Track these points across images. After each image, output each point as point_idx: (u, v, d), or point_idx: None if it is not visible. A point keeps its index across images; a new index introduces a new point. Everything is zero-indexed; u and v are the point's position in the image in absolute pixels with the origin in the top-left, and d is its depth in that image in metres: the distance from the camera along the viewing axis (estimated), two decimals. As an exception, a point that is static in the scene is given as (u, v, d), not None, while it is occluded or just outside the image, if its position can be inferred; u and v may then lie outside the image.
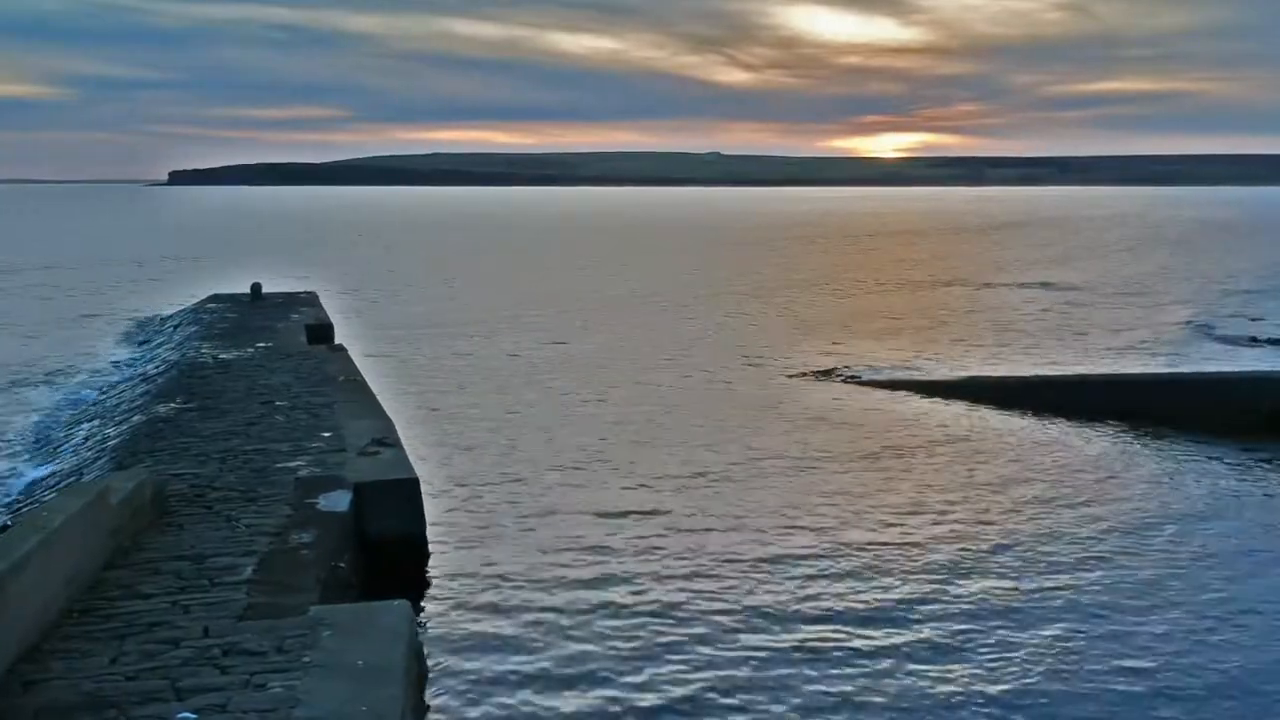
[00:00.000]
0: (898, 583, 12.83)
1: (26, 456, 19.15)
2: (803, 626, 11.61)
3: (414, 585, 12.33)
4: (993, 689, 10.25)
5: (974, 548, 14.09)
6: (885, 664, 10.75)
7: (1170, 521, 15.37)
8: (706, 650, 11.03)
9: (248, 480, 13.50)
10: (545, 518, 15.34)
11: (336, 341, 26.99)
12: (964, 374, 26.47)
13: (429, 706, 9.75)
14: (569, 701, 10.03)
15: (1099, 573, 13.28)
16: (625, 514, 15.49)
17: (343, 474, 13.53)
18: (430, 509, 13.75)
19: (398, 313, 41.58)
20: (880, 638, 11.33)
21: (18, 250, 79.56)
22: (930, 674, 10.53)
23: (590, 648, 11.07)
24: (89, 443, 18.22)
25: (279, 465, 14.17)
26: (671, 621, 11.71)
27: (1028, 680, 10.45)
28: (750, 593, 12.54)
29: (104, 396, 23.79)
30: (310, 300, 34.91)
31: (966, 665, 10.72)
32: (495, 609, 12.09)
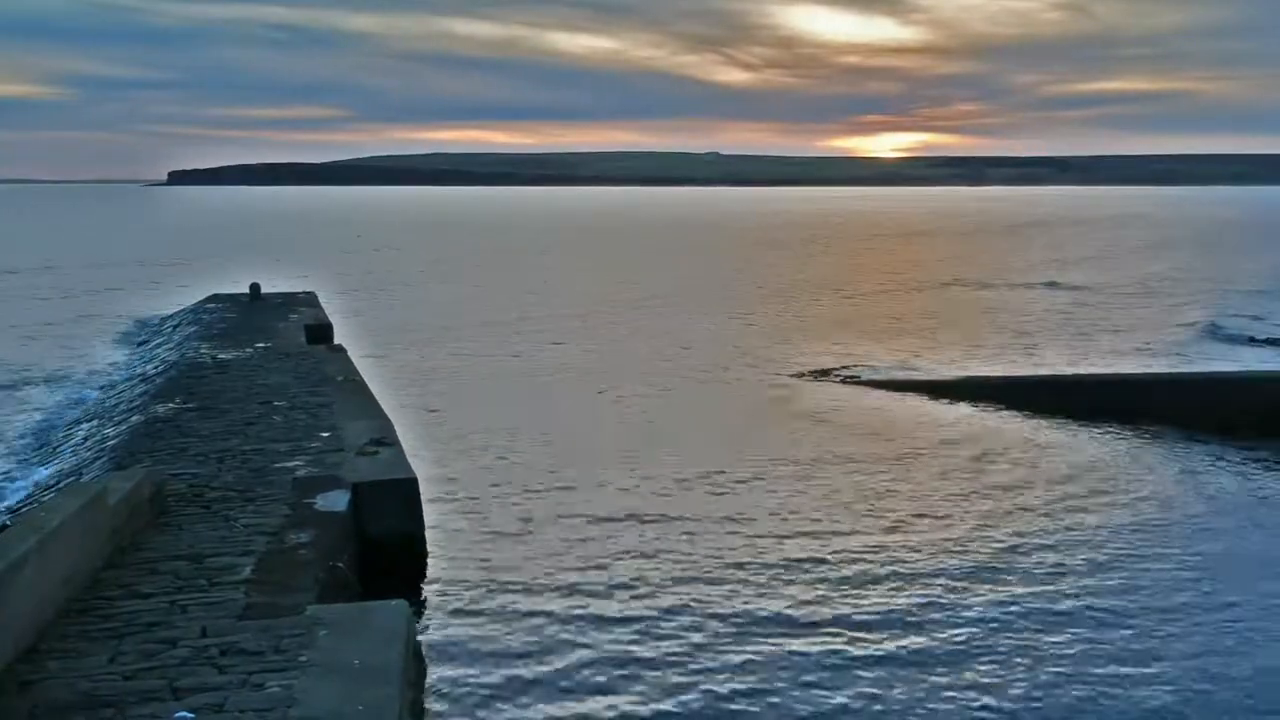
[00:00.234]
0: (903, 586, 12.73)
1: (26, 457, 19.15)
2: (804, 630, 11.55)
3: (412, 585, 12.34)
4: (1000, 693, 10.22)
5: (975, 550, 14.04)
6: (892, 670, 10.67)
7: (1171, 523, 15.36)
8: (706, 652, 11.00)
9: (246, 480, 13.50)
10: (544, 518, 15.33)
11: (335, 341, 27.00)
12: (964, 374, 26.50)
13: (426, 706, 9.74)
14: (567, 702, 10.03)
15: (1101, 574, 13.25)
16: (624, 514, 15.47)
17: (341, 474, 13.53)
18: (429, 509, 13.74)
19: (397, 313, 41.59)
20: (888, 643, 11.22)
21: (17, 251, 79.55)
22: (938, 680, 10.43)
23: (588, 648, 11.06)
24: (88, 443, 18.22)
25: (277, 465, 14.18)
26: (671, 623, 11.68)
27: (1034, 682, 10.42)
28: (750, 594, 12.49)
29: (103, 396, 23.79)
30: (309, 300, 34.91)
31: (974, 670, 10.64)
32: (493, 609, 12.07)
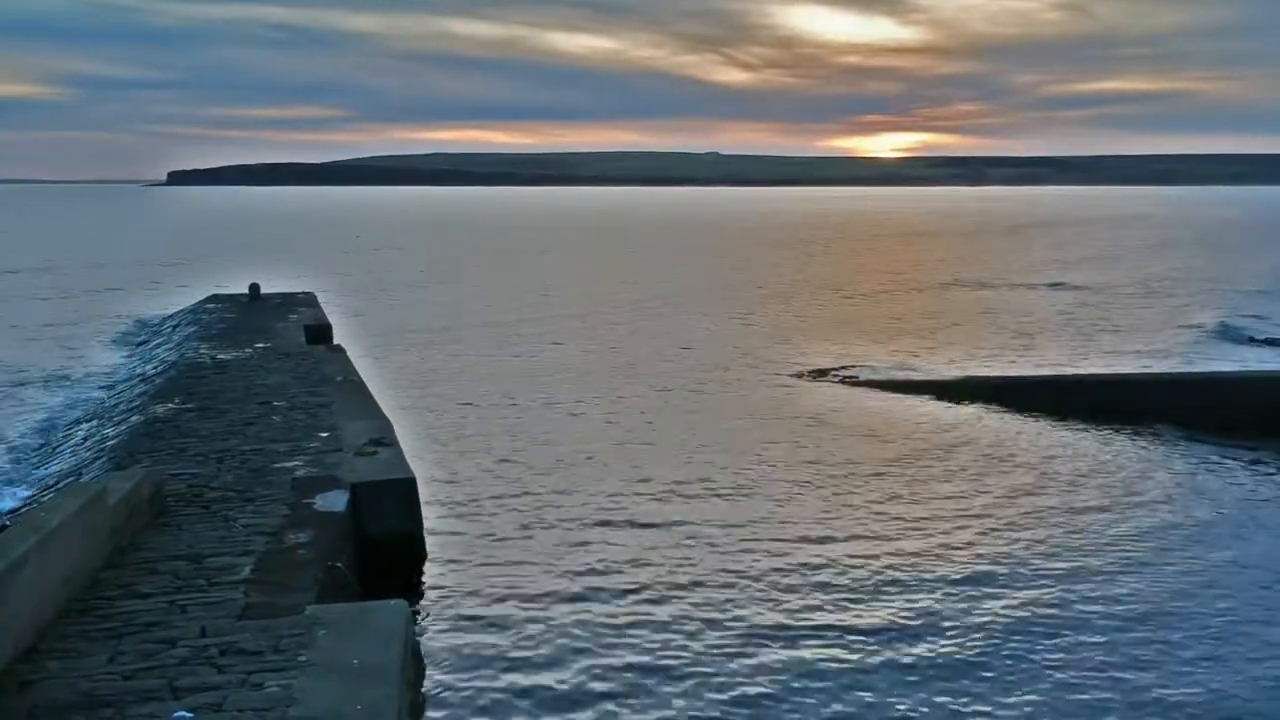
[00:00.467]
0: (906, 591, 12.58)
1: (25, 457, 19.16)
2: (803, 636, 11.46)
3: (411, 585, 12.36)
4: (1007, 697, 10.20)
5: (977, 553, 13.94)
6: (893, 675, 10.57)
7: (1172, 525, 15.27)
8: (706, 653, 10.98)
9: (245, 480, 13.52)
10: (543, 518, 15.33)
11: (335, 342, 27.02)
12: (964, 374, 26.51)
13: (425, 706, 9.76)
14: (566, 702, 10.04)
15: (1104, 579, 13.14)
16: (624, 515, 15.47)
17: (340, 474, 13.56)
18: (428, 509, 13.77)
19: (396, 313, 41.59)
20: (891, 650, 11.08)
21: (17, 251, 79.56)
22: (944, 686, 10.35)
23: (587, 649, 11.06)
24: (87, 443, 18.24)
25: (276, 465, 14.20)
26: (670, 624, 11.67)
27: (1038, 686, 10.38)
28: (751, 596, 12.46)
29: (102, 397, 23.81)
30: (309, 300, 34.94)
31: (978, 677, 10.54)
32: (492, 609, 12.08)
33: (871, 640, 11.26)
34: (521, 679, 10.42)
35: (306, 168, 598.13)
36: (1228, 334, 34.08)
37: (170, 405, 18.55)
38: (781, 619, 11.85)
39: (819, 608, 12.11)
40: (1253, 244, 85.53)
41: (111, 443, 16.93)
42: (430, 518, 13.91)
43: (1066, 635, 11.45)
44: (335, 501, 12.54)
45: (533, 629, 11.51)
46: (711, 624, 11.71)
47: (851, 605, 12.18)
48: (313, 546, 11.10)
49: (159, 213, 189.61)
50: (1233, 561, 13.94)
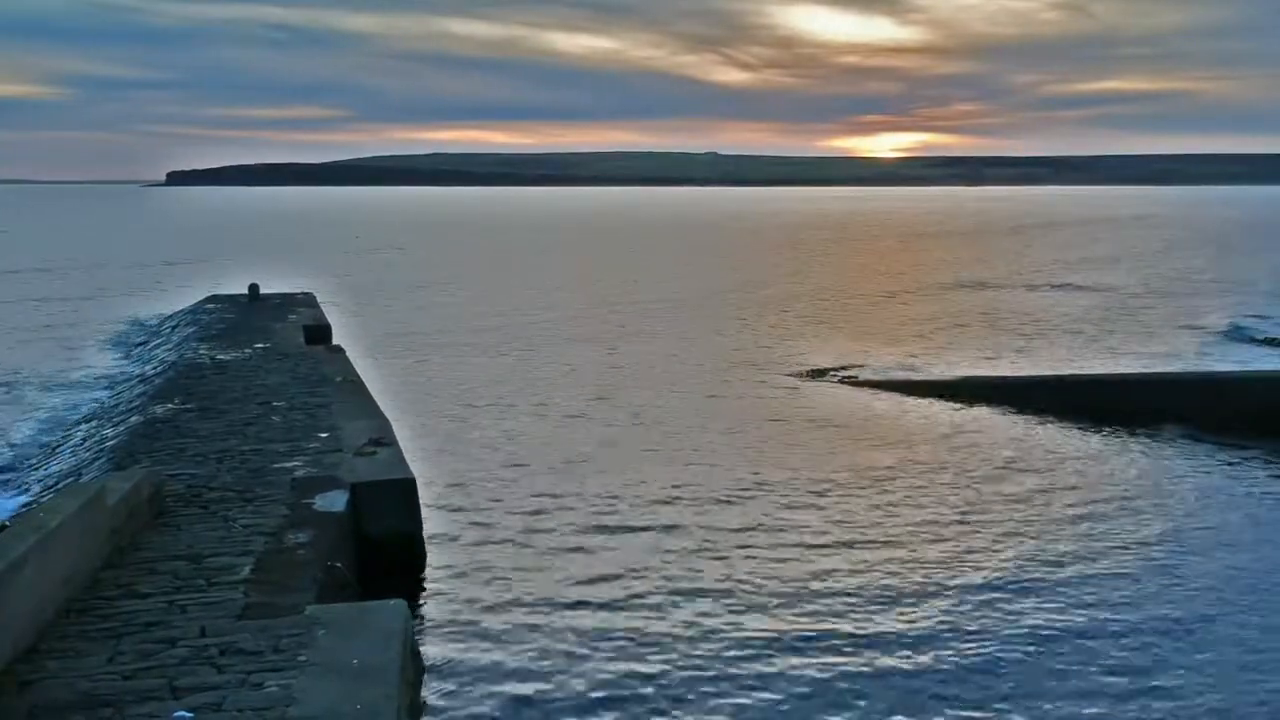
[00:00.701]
0: (912, 597, 12.40)
1: (25, 457, 19.17)
2: (807, 632, 11.46)
3: (410, 585, 12.36)
4: (1012, 698, 10.19)
5: (985, 558, 13.83)
6: (898, 682, 10.52)
7: (1184, 527, 15.19)
8: (706, 654, 10.99)
9: (245, 480, 13.53)
10: (543, 518, 15.33)
11: (334, 342, 27.05)
12: (973, 374, 26.49)
13: (424, 706, 9.77)
14: (565, 702, 10.04)
15: (1108, 584, 13.02)
16: (623, 516, 15.47)
17: (339, 474, 13.57)
18: (427, 509, 13.79)
19: (396, 313, 41.60)
20: (893, 658, 10.99)
21: (16, 251, 79.57)
22: (952, 694, 10.32)
23: (587, 649, 11.07)
24: (87, 443, 18.25)
25: (276, 465, 14.21)
26: (670, 624, 11.67)
27: (1052, 694, 10.33)
28: (752, 601, 12.41)
29: (102, 397, 23.82)
30: (308, 301, 34.95)
31: (983, 685, 10.49)
32: (491, 609, 12.09)
33: (880, 649, 11.08)
34: (521, 679, 10.42)
35: (306, 168, 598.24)
36: (1238, 335, 33.91)
37: (170, 406, 18.56)
38: (783, 625, 11.78)
39: (822, 615, 11.96)
40: (1255, 244, 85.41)
41: (111, 443, 16.94)
42: (430, 518, 13.92)
43: (1080, 643, 11.27)
44: (335, 502, 12.55)
45: (532, 629, 11.52)
46: (712, 623, 11.71)
47: (855, 613, 11.99)
48: (312, 547, 11.11)
49: (158, 213, 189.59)
50: (1247, 566, 13.84)
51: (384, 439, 15.29)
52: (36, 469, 17.94)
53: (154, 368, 25.11)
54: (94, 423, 20.25)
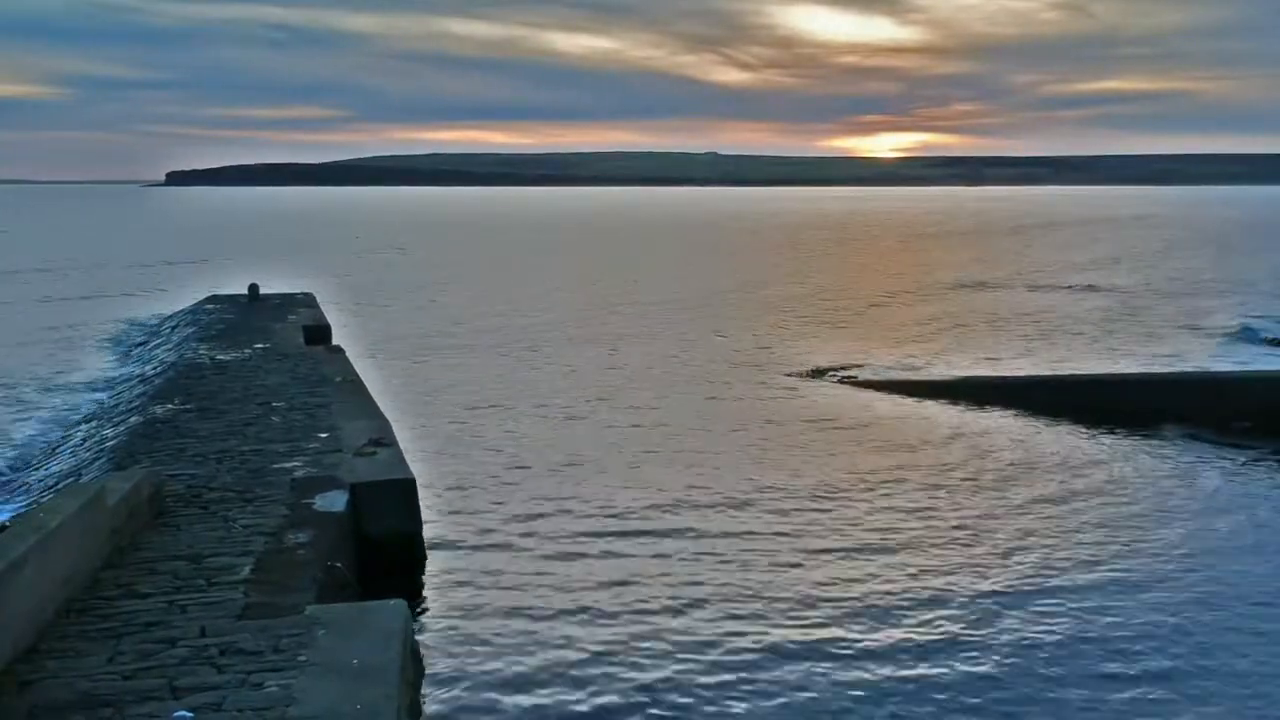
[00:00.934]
0: (922, 607, 12.16)
1: (25, 458, 19.17)
2: (811, 628, 11.47)
3: (410, 585, 12.36)
4: (1014, 695, 10.19)
5: (992, 564, 13.69)
6: (901, 663, 10.61)
7: (1175, 523, 15.26)
8: (707, 654, 10.99)
9: (244, 480, 13.53)
10: (543, 518, 15.34)
11: (334, 342, 27.05)
12: (965, 374, 26.49)
13: (424, 706, 9.77)
14: (564, 702, 10.05)
15: (1106, 576, 13.18)
16: (624, 516, 15.46)
17: (339, 474, 13.57)
18: (427, 509, 13.78)
19: (395, 314, 41.61)
20: (907, 666, 10.84)
21: (15, 252, 79.58)
22: (948, 684, 10.35)
23: (587, 649, 11.07)
24: (87, 443, 18.24)
25: (276, 466, 14.21)
26: (672, 627, 11.66)
27: (1045, 685, 10.38)
28: (754, 595, 12.43)
29: (101, 398, 23.83)
30: (308, 301, 34.96)
31: (980, 664, 10.61)
32: (491, 609, 12.10)
33: (884, 658, 10.90)
34: (520, 679, 10.43)
35: (306, 168, 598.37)
36: (1243, 336, 33.75)
37: (169, 406, 18.56)
38: (786, 632, 11.70)
39: (825, 623, 11.78)
40: (1255, 244, 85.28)
41: (111, 443, 16.94)
42: (430, 518, 13.92)
43: (1086, 650, 11.18)
44: (335, 502, 12.55)
45: (532, 629, 11.52)
46: (712, 623, 11.71)
47: (860, 621, 11.78)
48: (312, 547, 11.11)
49: (158, 213, 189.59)
50: (1252, 571, 13.79)
51: (384, 439, 15.29)
52: (36, 469, 17.93)
53: (154, 368, 25.10)
54: (94, 423, 20.25)
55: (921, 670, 10.66)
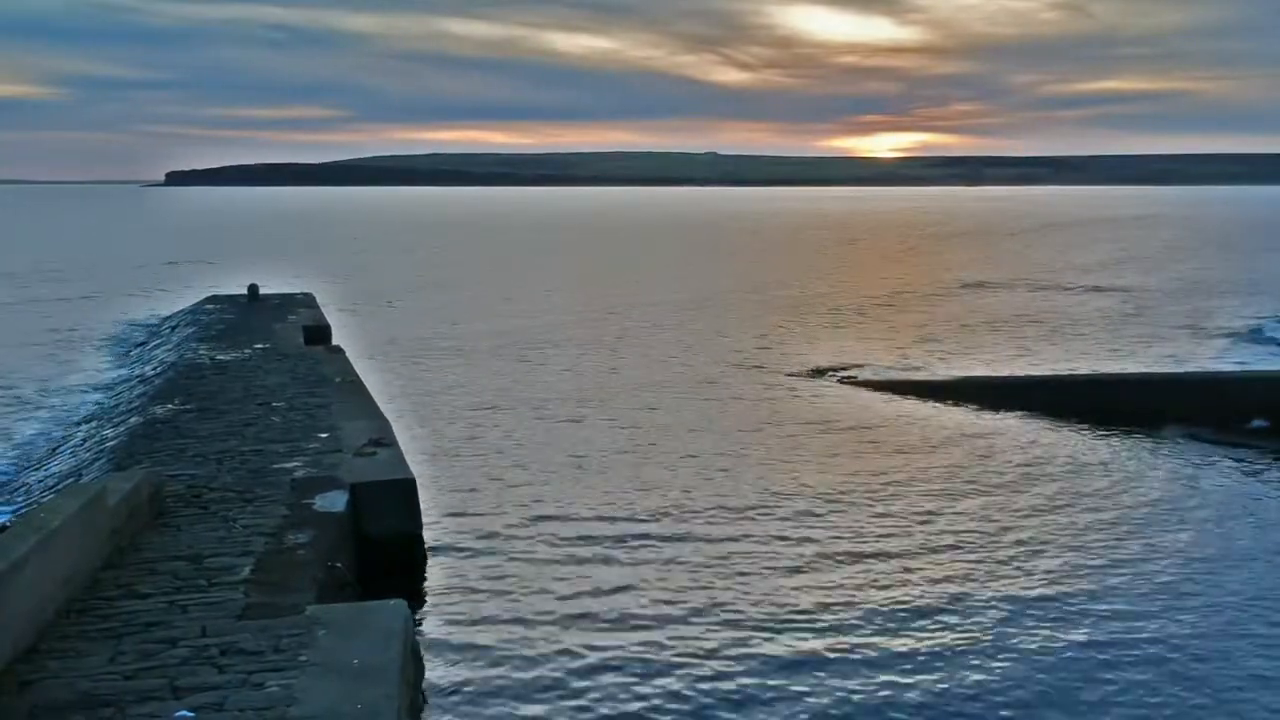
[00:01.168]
0: (930, 614, 12.01)
1: (26, 458, 19.18)
2: (811, 634, 11.42)
3: (411, 585, 12.36)
4: (1015, 692, 10.18)
5: (982, 554, 13.86)
6: (905, 671, 10.56)
7: (1188, 526, 15.21)
8: (708, 654, 10.99)
9: (245, 481, 13.54)
10: (544, 518, 15.34)
11: (333, 342, 27.06)
12: (966, 375, 26.50)
13: (424, 706, 9.78)
14: (565, 703, 10.05)
15: (1107, 574, 13.19)
16: (624, 517, 15.46)
17: (339, 474, 13.57)
18: (427, 509, 13.79)
19: (395, 314, 41.62)
20: (898, 646, 11.08)
21: (15, 252, 79.57)
22: (949, 683, 10.34)
23: (587, 650, 11.08)
24: (87, 444, 18.25)
25: (276, 466, 14.21)
26: (673, 628, 11.66)
27: (1045, 685, 10.36)
28: (754, 599, 12.41)
29: (102, 398, 23.84)
30: (308, 301, 34.97)
31: (986, 673, 10.54)
32: (492, 609, 12.11)
33: (894, 666, 10.79)
34: (521, 680, 10.43)
35: (305, 168, 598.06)
36: (1251, 337, 33.62)
37: (169, 406, 18.56)
38: (789, 615, 11.83)
39: (829, 631, 11.65)
40: (1256, 244, 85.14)
41: (111, 444, 16.95)
42: (430, 518, 13.93)
43: (1094, 657, 11.05)
44: (335, 502, 12.56)
45: (533, 630, 11.52)
46: (712, 624, 11.72)
47: (865, 629, 11.63)
48: (312, 547, 11.12)
49: (157, 213, 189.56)
50: (1234, 558, 13.88)
51: (384, 439, 15.30)
52: (37, 469, 17.94)
53: (154, 368, 25.11)
54: (94, 423, 20.26)
55: (931, 679, 10.55)
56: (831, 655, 10.96)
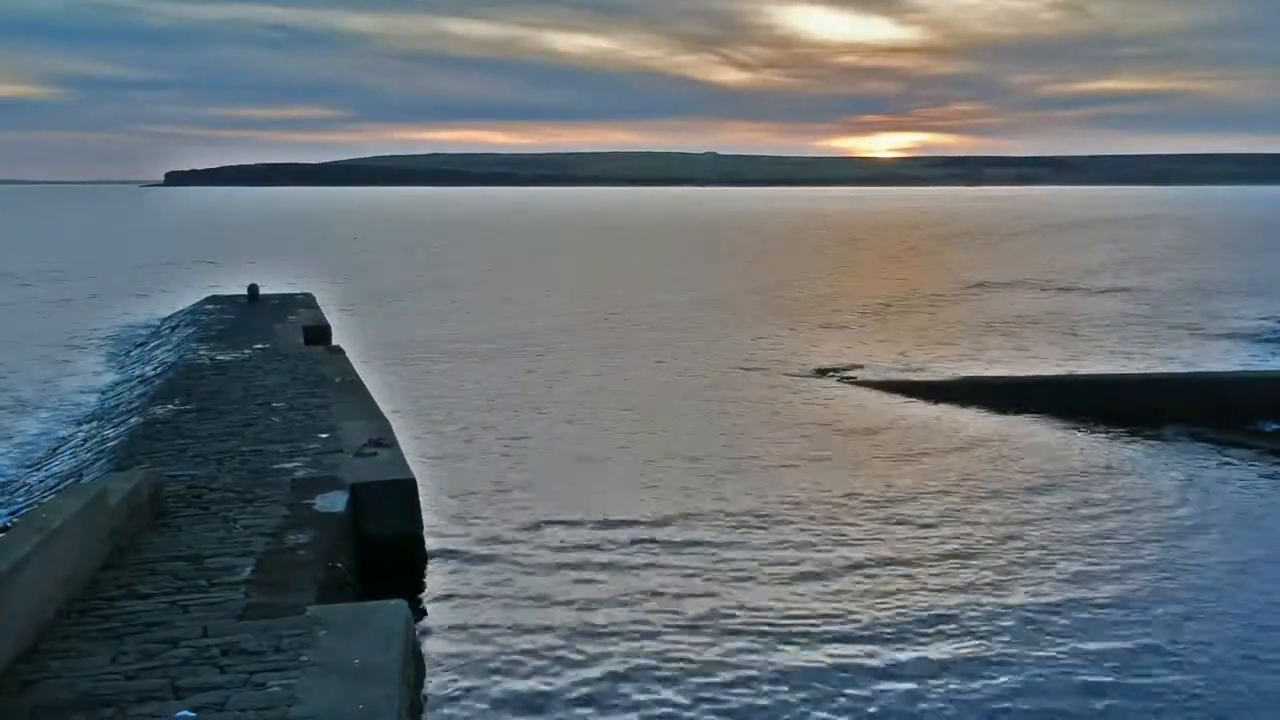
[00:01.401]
0: (937, 623, 11.90)
1: (26, 459, 19.17)
2: (815, 643, 11.33)
3: (411, 585, 12.37)
4: (1016, 698, 10.15)
5: (989, 560, 13.75)
6: (912, 680, 10.49)
7: (1189, 529, 15.13)
8: (708, 654, 11.00)
9: (245, 481, 13.54)
10: (545, 519, 15.32)
11: (334, 343, 27.05)
12: (967, 375, 26.48)
13: (425, 706, 9.78)
14: (565, 703, 10.06)
15: (1106, 573, 13.18)
16: (625, 516, 15.45)
17: (340, 475, 13.58)
18: (427, 509, 13.79)
19: (395, 314, 41.60)
20: (904, 651, 11.03)
21: (14, 252, 79.54)
22: (952, 685, 10.32)
23: (587, 650, 11.08)
24: (87, 444, 18.25)
25: (276, 466, 14.21)
26: (673, 629, 11.65)
27: (1047, 684, 10.37)
28: (754, 601, 12.39)
29: (102, 398, 23.83)
30: (307, 301, 34.97)
31: (995, 684, 10.48)
32: (492, 609, 12.11)
33: (901, 675, 10.64)
34: (521, 680, 10.44)
35: (305, 168, 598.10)
36: (1261, 337, 33.56)
37: (170, 406, 18.56)
38: (789, 618, 11.82)
39: (834, 639, 11.52)
40: (1259, 244, 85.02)
41: (111, 444, 16.95)
42: (430, 518, 13.93)
43: (1102, 664, 10.92)
44: (335, 502, 12.56)
45: (533, 630, 11.53)
46: (712, 623, 11.72)
47: (870, 637, 11.50)
48: (313, 547, 11.12)
49: (157, 213, 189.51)
50: (1236, 558, 13.85)
51: (384, 440, 15.29)
52: (37, 470, 17.94)
53: (154, 368, 25.10)
54: (94, 423, 20.26)
55: (939, 689, 10.39)
56: (836, 665, 10.84)
